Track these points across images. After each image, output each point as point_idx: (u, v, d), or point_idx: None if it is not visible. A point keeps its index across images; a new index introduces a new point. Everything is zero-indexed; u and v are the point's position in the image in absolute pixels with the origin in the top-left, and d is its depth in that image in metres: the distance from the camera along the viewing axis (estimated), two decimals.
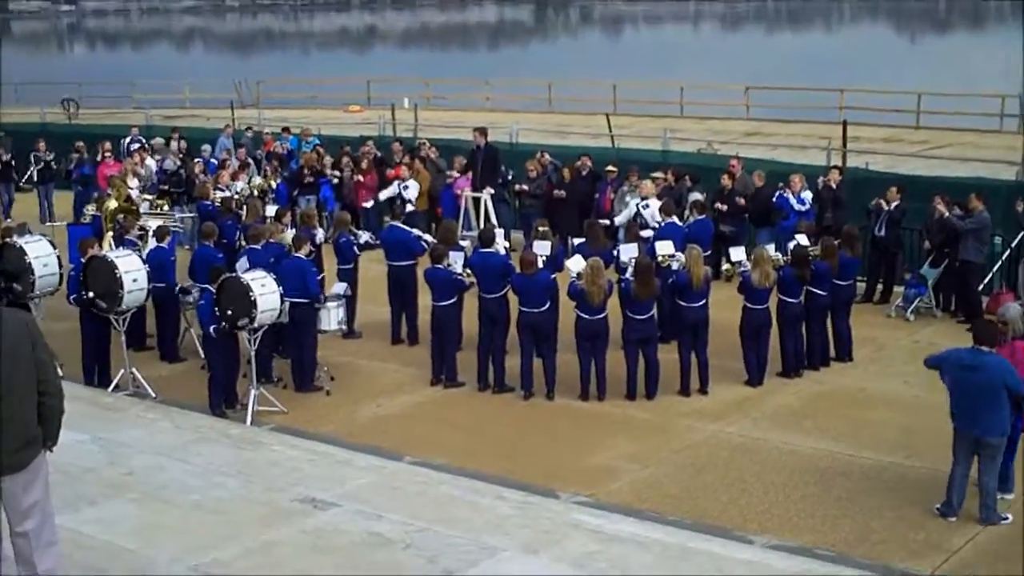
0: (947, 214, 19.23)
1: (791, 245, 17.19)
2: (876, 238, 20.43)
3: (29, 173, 29.83)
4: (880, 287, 20.74)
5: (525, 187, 24.39)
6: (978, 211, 19.17)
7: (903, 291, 20.03)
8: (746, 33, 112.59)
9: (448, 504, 11.26)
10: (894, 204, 20.30)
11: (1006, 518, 11.92)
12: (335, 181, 26.01)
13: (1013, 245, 19.54)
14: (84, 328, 16.44)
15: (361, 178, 25.74)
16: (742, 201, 21.91)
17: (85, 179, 27.85)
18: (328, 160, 26.59)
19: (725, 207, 21.95)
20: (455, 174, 25.12)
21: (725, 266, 17.72)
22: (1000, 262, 19.82)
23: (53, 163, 30.06)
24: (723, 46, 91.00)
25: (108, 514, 10.88)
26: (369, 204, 25.45)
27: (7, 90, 51.79)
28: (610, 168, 23.88)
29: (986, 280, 19.60)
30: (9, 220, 22.19)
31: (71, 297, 16.30)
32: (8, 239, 16.91)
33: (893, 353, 17.87)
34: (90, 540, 10.20)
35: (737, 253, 17.39)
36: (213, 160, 27.20)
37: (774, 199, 21.94)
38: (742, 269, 16.80)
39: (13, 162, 30.25)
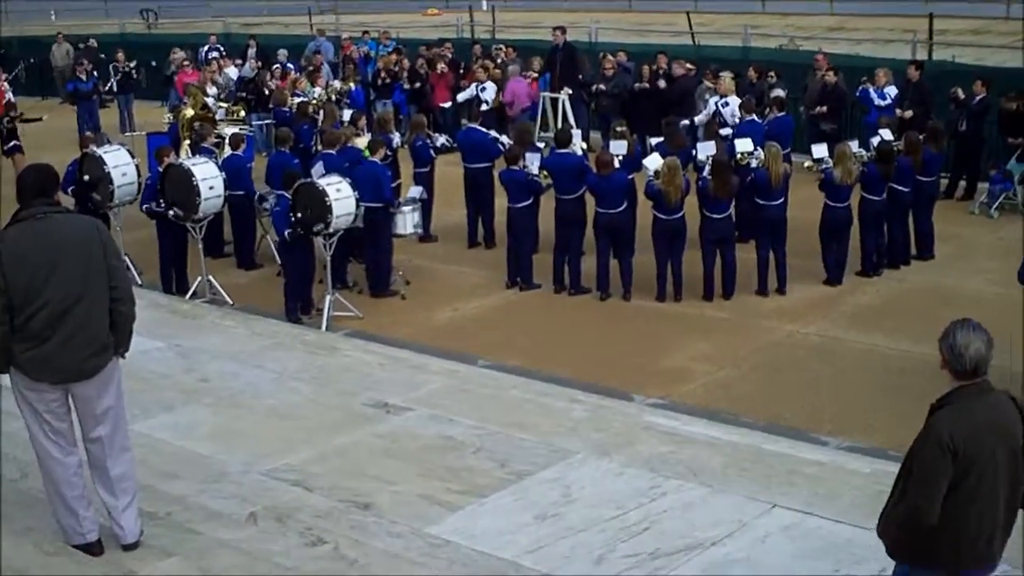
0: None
1: (874, 141, 16.83)
2: (959, 133, 19.97)
3: (109, 84, 29.92)
4: (963, 183, 20.30)
5: (603, 87, 24.05)
6: None
7: (987, 187, 19.60)
8: None
9: (520, 408, 11.21)
10: (978, 98, 19.82)
11: None
12: (407, 87, 25.85)
13: None
14: (161, 236, 16.51)
15: (440, 75, 25.60)
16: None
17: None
18: (406, 63, 26.42)
19: (826, 107, 21.57)
20: (533, 74, 24.93)
21: (807, 163, 17.37)
22: None
23: (133, 73, 30.20)
24: None
25: (183, 420, 10.98)
26: (447, 104, 25.38)
27: (92, 2, 52.05)
28: (688, 66, 23.51)
29: None
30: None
31: (143, 207, 16.41)
32: (87, 149, 17.00)
33: (976, 250, 17.52)
34: (165, 445, 10.30)
35: (819, 150, 17.06)
36: (290, 65, 27.11)
37: (857, 93, 21.53)
38: (824, 167, 16.48)
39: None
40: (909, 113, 20.23)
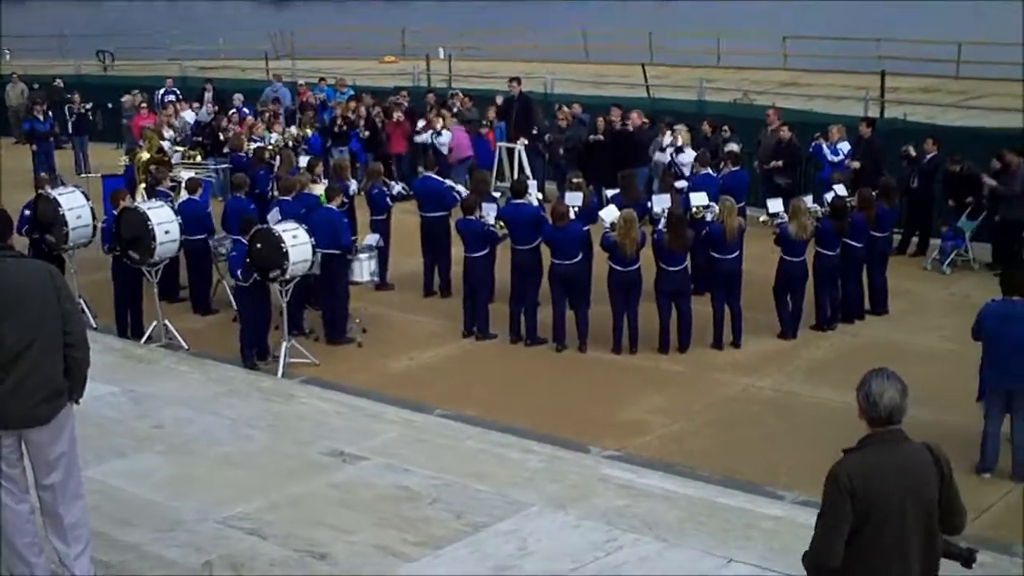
0: (993, 184, 19.06)
1: (829, 196, 16.99)
2: (911, 190, 20.18)
3: (65, 125, 29.77)
4: (916, 239, 20.52)
5: (555, 138, 24.07)
6: (1016, 165, 18.92)
7: (939, 244, 19.81)
8: None
9: (476, 458, 11.21)
10: (928, 156, 20.06)
11: None
12: (364, 135, 25.82)
13: None
14: (117, 280, 16.48)
15: (396, 123, 25.65)
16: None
17: None
18: (363, 111, 26.41)
19: (781, 162, 21.78)
20: (487, 123, 25.03)
21: (763, 218, 17.46)
22: None
23: (88, 115, 30.08)
24: None
25: (136, 466, 10.90)
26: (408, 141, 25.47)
27: (47, 42, 51.94)
28: (643, 119, 23.64)
29: None
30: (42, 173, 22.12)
31: (105, 246, 16.35)
32: (42, 191, 16.91)
33: (928, 306, 17.71)
34: (118, 492, 10.21)
35: (774, 205, 17.19)
36: (245, 109, 27.09)
37: (810, 149, 21.74)
38: (779, 221, 16.61)
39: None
40: (857, 164, 20.43)
